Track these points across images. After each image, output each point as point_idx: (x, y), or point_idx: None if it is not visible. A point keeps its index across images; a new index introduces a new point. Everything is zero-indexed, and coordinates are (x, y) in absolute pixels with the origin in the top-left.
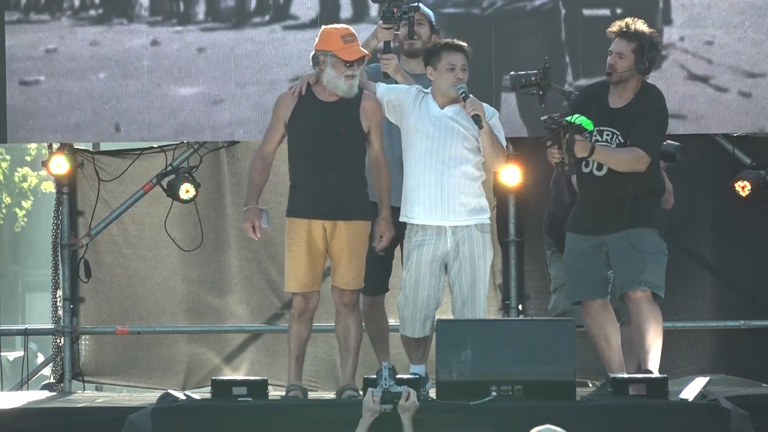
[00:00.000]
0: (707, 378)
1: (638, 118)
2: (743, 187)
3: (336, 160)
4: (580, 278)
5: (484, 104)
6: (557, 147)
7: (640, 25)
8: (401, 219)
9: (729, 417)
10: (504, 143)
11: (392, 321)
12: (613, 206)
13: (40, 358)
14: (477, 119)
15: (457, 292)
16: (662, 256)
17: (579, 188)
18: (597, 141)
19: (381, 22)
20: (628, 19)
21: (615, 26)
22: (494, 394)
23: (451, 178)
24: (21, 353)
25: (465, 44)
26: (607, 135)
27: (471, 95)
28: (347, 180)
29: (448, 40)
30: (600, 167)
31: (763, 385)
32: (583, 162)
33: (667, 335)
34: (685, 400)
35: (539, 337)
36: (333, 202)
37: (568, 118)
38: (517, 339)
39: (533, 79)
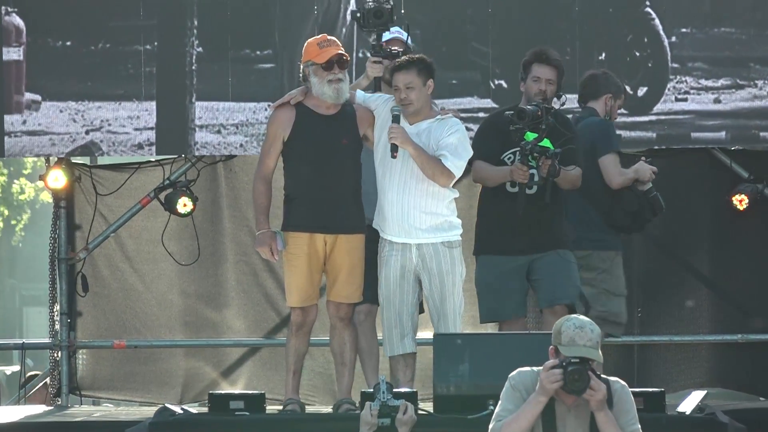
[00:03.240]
0: (704, 392)
1: (565, 142)
2: (740, 201)
3: (337, 173)
4: (509, 296)
5: (453, 120)
6: (528, 168)
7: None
8: (374, 225)
9: (726, 431)
10: (462, 158)
11: (380, 335)
12: (540, 225)
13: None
14: (393, 148)
15: (432, 306)
16: None
17: (500, 208)
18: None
19: (370, 56)
20: (544, 47)
21: (537, 53)
22: (492, 407)
23: (412, 197)
24: (18, 368)
25: (413, 59)
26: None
27: (398, 123)
28: (348, 193)
29: (400, 59)
30: (531, 186)
31: (761, 398)
32: (509, 181)
33: (665, 349)
34: (682, 414)
35: (536, 350)
36: (334, 216)
37: (542, 144)
38: (515, 353)
39: (538, 113)
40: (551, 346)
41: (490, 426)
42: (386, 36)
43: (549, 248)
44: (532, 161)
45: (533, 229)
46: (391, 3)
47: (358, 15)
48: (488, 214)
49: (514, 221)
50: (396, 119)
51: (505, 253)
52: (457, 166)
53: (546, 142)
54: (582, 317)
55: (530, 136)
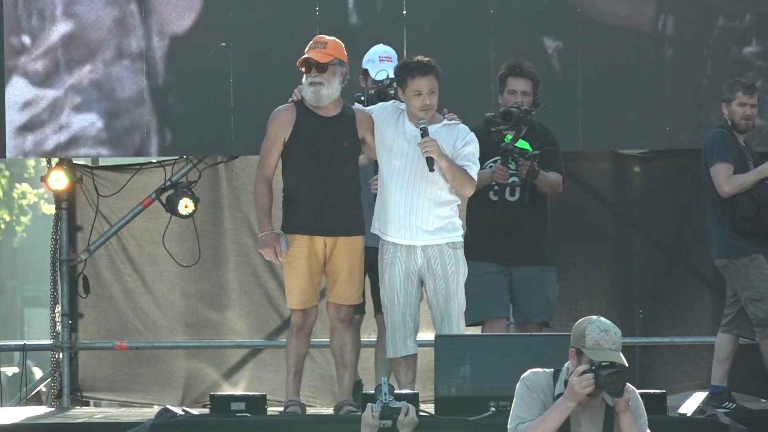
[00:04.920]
0: (706, 393)
1: (542, 145)
2: None
3: (337, 174)
4: (492, 295)
5: (462, 127)
6: (507, 169)
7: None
8: (373, 231)
9: None
10: (476, 168)
11: (364, 337)
12: (523, 235)
13: (38, 373)
14: (429, 162)
15: (435, 307)
16: None
17: (484, 216)
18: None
19: None
20: (517, 60)
21: (511, 66)
22: (493, 409)
23: (419, 199)
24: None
25: (431, 63)
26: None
27: (429, 135)
28: (347, 195)
29: (415, 61)
30: (513, 193)
31: (762, 400)
32: (492, 190)
33: (667, 350)
34: (683, 415)
35: (538, 352)
36: (334, 218)
37: (520, 145)
38: (516, 354)
39: (520, 116)
40: (571, 348)
41: (510, 427)
42: (380, 68)
43: (530, 263)
44: (512, 162)
45: (515, 239)
46: (395, 85)
47: (363, 99)
48: (473, 222)
49: (497, 230)
50: (425, 132)
51: (489, 260)
52: (477, 174)
53: (525, 144)
54: (604, 319)
55: (509, 137)
